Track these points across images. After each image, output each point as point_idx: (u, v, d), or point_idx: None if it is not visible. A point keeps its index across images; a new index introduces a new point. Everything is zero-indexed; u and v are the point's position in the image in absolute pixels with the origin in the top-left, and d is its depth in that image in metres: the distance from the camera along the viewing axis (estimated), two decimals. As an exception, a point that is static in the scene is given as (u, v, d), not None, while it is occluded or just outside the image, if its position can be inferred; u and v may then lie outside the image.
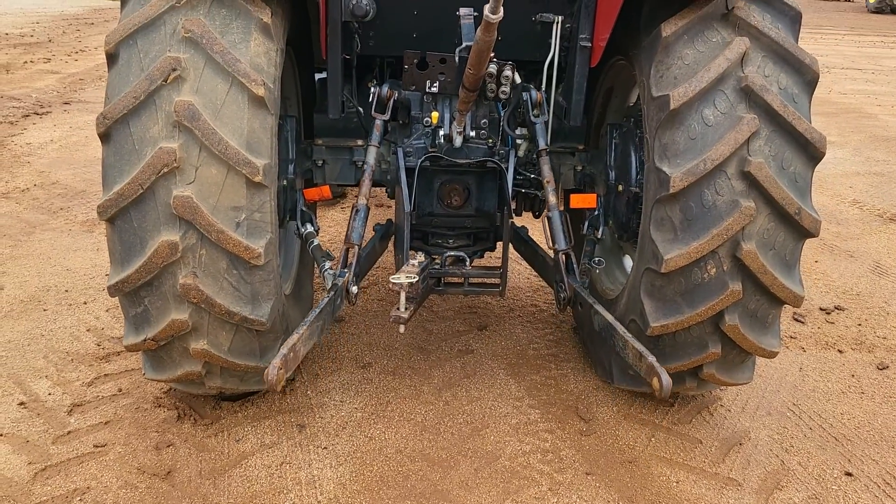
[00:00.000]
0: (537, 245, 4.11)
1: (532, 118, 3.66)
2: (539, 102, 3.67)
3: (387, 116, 3.65)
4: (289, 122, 3.87)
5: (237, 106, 2.94)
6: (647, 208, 3.24)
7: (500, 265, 3.67)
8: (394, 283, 3.18)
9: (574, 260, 3.47)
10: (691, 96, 3.04)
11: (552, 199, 3.50)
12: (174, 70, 2.90)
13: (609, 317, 3.19)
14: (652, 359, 2.80)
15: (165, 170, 2.87)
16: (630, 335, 3.04)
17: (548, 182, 3.55)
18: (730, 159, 3.01)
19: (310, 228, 3.86)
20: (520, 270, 5.42)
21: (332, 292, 3.21)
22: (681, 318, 3.20)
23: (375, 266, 5.33)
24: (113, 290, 3.04)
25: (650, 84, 3.20)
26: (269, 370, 2.58)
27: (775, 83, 3.09)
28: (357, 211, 3.40)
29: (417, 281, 3.23)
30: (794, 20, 3.25)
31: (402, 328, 3.29)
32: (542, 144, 3.61)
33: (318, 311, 3.04)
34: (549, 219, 3.49)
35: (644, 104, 3.29)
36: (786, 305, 3.27)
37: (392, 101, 3.68)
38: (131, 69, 2.95)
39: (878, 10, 32.90)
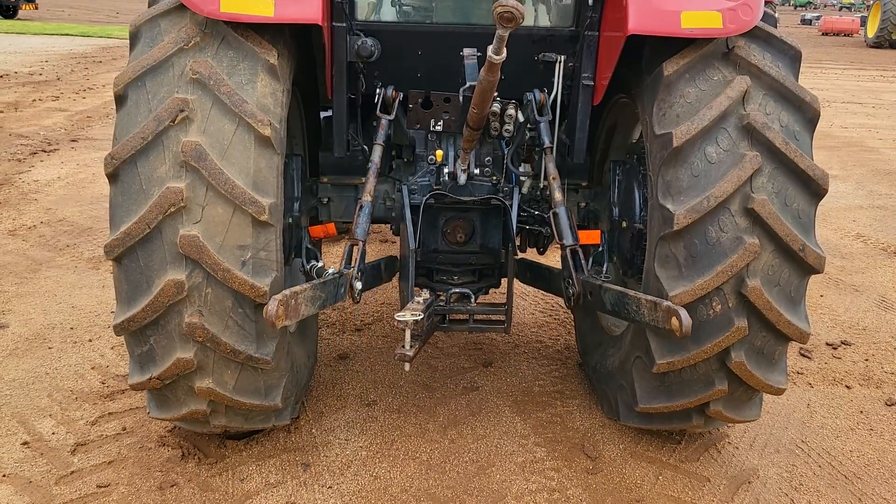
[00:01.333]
0: (542, 264, 4.10)
1: (537, 117, 3.66)
2: (543, 103, 3.69)
3: (392, 116, 3.67)
4: (294, 161, 3.90)
5: (244, 146, 2.97)
6: (652, 245, 3.25)
7: (504, 302, 3.67)
8: (399, 321, 3.18)
9: (581, 256, 3.43)
10: (694, 134, 3.06)
11: (558, 195, 3.50)
12: (182, 111, 2.93)
13: (618, 287, 3.18)
14: (667, 302, 2.78)
15: (172, 209, 2.90)
16: (641, 293, 3.01)
17: (553, 178, 3.54)
18: (733, 196, 3.03)
19: (315, 265, 3.87)
20: (524, 306, 5.42)
21: (338, 274, 3.17)
22: (687, 356, 3.19)
23: (379, 303, 5.35)
24: (119, 329, 3.05)
25: (653, 122, 3.23)
26: (268, 305, 2.70)
27: (777, 121, 3.12)
28: (361, 207, 3.39)
29: (422, 318, 3.23)
30: (793, 59, 3.28)
31: (407, 366, 3.28)
32: (546, 142, 3.62)
33: (322, 281, 3.07)
34: (555, 214, 3.48)
35: (647, 142, 3.31)
36: (792, 341, 3.25)
37: (397, 101, 3.68)
38: (139, 110, 2.99)
39: (876, 45, 33.19)
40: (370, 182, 3.49)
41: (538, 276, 4.06)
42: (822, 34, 42.19)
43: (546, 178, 3.63)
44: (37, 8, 33.37)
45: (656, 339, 3.25)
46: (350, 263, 3.33)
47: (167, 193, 2.89)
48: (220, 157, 2.93)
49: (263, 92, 3.06)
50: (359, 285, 3.31)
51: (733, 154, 3.06)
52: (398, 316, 3.19)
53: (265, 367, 3.16)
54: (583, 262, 3.44)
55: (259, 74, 3.07)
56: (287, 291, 2.83)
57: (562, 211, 3.47)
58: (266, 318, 2.72)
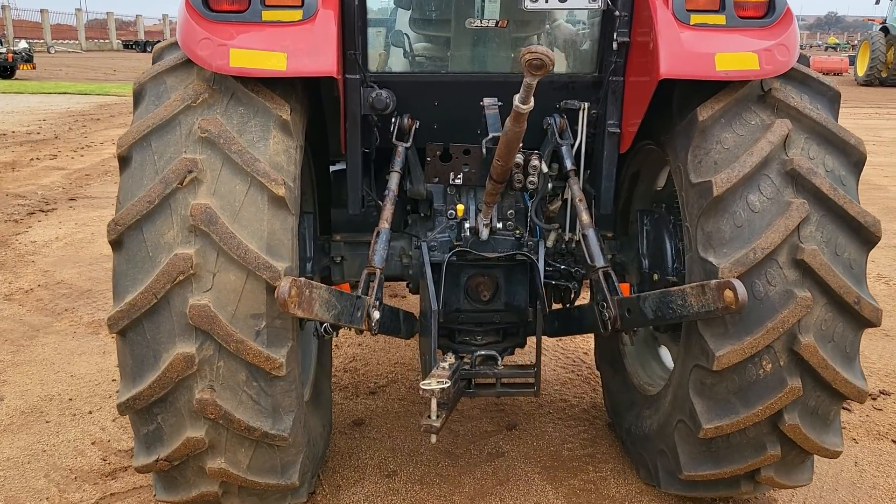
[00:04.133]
0: (567, 308, 3.87)
1: (558, 140, 3.47)
2: (563, 128, 3.51)
3: (409, 144, 3.48)
4: (306, 219, 3.71)
5: (256, 207, 2.79)
6: (693, 301, 3.04)
7: (533, 363, 3.44)
8: (425, 391, 2.96)
9: (614, 277, 3.22)
10: (735, 182, 2.89)
11: (585, 217, 3.30)
12: (190, 172, 2.76)
13: (656, 291, 3.03)
14: (715, 280, 2.65)
15: (181, 277, 2.70)
16: (686, 286, 2.87)
17: (580, 200, 3.35)
18: (781, 247, 2.84)
19: (328, 328, 3.64)
20: (545, 362, 5.17)
21: (356, 298, 2.95)
22: (736, 419, 2.96)
23: (393, 362, 5.12)
24: (123, 407, 2.82)
25: (688, 170, 3.06)
26: (280, 285, 2.55)
27: (822, 165, 2.95)
28: (378, 234, 3.20)
29: (449, 386, 3.01)
30: (832, 100, 3.13)
31: (433, 438, 3.06)
32: (569, 165, 3.42)
33: (339, 292, 2.88)
34: (584, 237, 3.28)
35: (682, 191, 3.13)
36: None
37: (413, 129, 3.50)
38: (145, 172, 2.81)
39: (867, 83, 33.46)
40: (387, 209, 3.30)
41: (568, 321, 3.83)
42: (813, 74, 42.57)
43: (572, 200, 3.46)
44: (35, 68, 33.66)
45: (702, 402, 3.03)
46: (367, 292, 3.08)
47: (175, 260, 2.70)
48: (232, 220, 2.74)
49: (276, 149, 2.89)
50: (376, 315, 3.06)
51: (778, 202, 2.89)
52: (424, 385, 2.97)
53: (282, 444, 2.93)
54: (616, 283, 3.23)
55: (271, 131, 2.90)
56: (303, 280, 2.64)
57: (591, 232, 3.27)
58: (277, 299, 2.54)
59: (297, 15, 2.93)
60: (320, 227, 4.10)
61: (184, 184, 2.76)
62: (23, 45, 35.28)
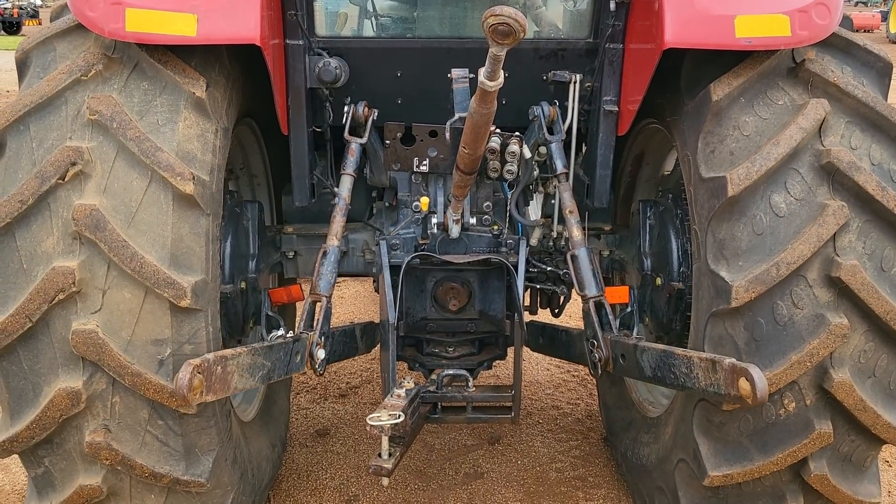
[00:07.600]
0: (557, 326, 3.34)
1: (547, 136, 2.93)
2: (553, 119, 2.97)
3: (364, 140, 2.96)
4: (249, 209, 3.17)
5: (158, 208, 2.27)
6: (700, 321, 2.50)
7: (511, 384, 2.92)
8: (372, 426, 2.46)
9: (609, 310, 2.72)
10: (755, 178, 2.33)
11: (576, 233, 2.78)
12: (74, 164, 2.24)
13: (659, 345, 2.51)
14: (731, 359, 2.13)
15: (61, 296, 2.22)
16: (694, 351, 2.37)
17: (570, 212, 2.83)
18: (811, 261, 2.29)
19: (276, 335, 3.13)
20: (537, 359, 4.67)
21: (294, 340, 2.52)
22: (749, 467, 2.44)
23: (370, 359, 4.62)
24: (3, 449, 2.34)
25: (698, 161, 2.49)
26: (180, 373, 2.00)
27: (866, 157, 2.38)
28: (325, 254, 2.72)
29: (404, 420, 2.50)
30: (882, 73, 2.54)
31: (385, 481, 2.58)
32: (559, 167, 2.89)
33: (268, 345, 2.42)
34: (574, 258, 2.75)
35: (690, 186, 2.57)
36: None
37: (371, 121, 2.97)
38: (20, 163, 2.30)
39: (899, 41, 32.17)
40: (337, 222, 2.81)
41: (554, 342, 3.30)
42: (842, 31, 41.09)
43: (561, 211, 2.91)
44: (41, 23, 33.03)
45: (708, 444, 2.50)
46: (311, 325, 2.64)
47: (54, 275, 2.20)
48: (126, 225, 2.24)
49: (187, 135, 2.35)
50: (321, 354, 2.63)
51: (809, 204, 2.33)
52: (371, 420, 2.47)
53: (200, 490, 2.45)
54: (610, 317, 2.72)
55: (181, 112, 2.37)
56: (211, 356, 2.13)
57: (582, 253, 2.75)
58: (177, 391, 2.02)
59: (212, -34, 2.36)
60: (277, 216, 3.58)
61: (66, 179, 2.24)
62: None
